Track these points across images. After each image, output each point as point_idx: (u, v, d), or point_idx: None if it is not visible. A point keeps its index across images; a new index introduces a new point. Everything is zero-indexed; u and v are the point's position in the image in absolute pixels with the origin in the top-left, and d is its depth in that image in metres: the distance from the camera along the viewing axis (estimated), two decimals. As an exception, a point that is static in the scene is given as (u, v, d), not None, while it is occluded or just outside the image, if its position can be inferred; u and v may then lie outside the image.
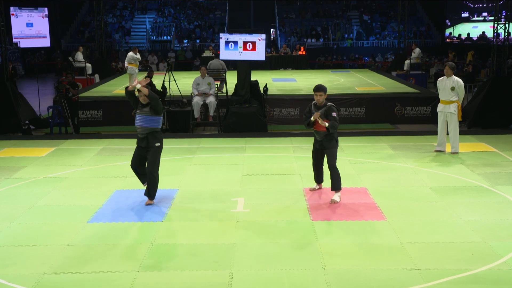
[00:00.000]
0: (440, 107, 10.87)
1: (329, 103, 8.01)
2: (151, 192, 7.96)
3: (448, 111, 10.69)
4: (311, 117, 7.94)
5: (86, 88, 19.66)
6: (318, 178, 8.53)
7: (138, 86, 7.66)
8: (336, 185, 8.01)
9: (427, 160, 10.42)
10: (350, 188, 8.73)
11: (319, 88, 7.96)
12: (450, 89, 10.62)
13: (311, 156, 8.47)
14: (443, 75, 10.97)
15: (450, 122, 10.72)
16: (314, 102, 8.07)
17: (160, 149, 7.93)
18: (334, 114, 7.87)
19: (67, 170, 9.99)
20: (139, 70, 22.76)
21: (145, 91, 7.66)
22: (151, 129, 7.82)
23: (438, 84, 10.95)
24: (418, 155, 10.82)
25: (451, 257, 6.12)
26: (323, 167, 8.41)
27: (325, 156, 8.16)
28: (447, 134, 10.88)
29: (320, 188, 8.58)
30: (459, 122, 10.80)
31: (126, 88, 7.93)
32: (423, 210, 7.71)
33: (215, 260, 6.12)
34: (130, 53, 18.93)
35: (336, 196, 8.01)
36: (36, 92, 18.03)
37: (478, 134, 12.75)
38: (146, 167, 7.95)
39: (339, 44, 35.34)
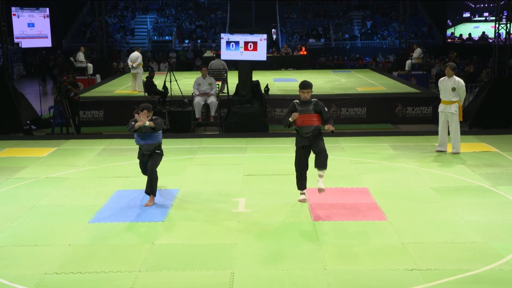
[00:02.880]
0: (441, 107, 10.86)
1: (313, 99, 7.81)
2: (153, 188, 7.98)
3: (449, 111, 10.68)
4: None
5: (87, 88, 19.67)
6: (304, 184, 8.05)
7: (147, 123, 7.76)
8: (325, 163, 7.76)
9: (428, 160, 10.42)
10: (351, 188, 8.73)
11: (307, 85, 7.78)
12: (451, 89, 10.61)
13: (311, 156, 8.21)
14: (444, 75, 10.96)
15: (451, 122, 10.72)
16: (296, 101, 7.84)
17: (161, 155, 8.16)
18: (326, 109, 7.83)
19: (68, 170, 10.00)
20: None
21: (152, 124, 7.80)
22: (156, 144, 8.04)
23: (439, 84, 10.95)
24: (419, 155, 10.81)
25: (452, 257, 6.12)
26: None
27: (312, 150, 7.88)
28: (448, 134, 10.88)
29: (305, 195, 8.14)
30: (460, 122, 10.80)
31: (129, 125, 7.85)
32: (424, 210, 7.71)
33: (216, 260, 6.12)
34: (137, 53, 18.90)
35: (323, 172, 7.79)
36: (37, 92, 18.04)
37: (479, 134, 12.74)
38: (147, 166, 8.03)
39: (340, 44, 35.32)
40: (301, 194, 8.14)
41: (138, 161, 8.40)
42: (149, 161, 8.02)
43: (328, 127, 7.71)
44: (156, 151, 8.08)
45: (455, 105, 10.64)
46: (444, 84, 10.74)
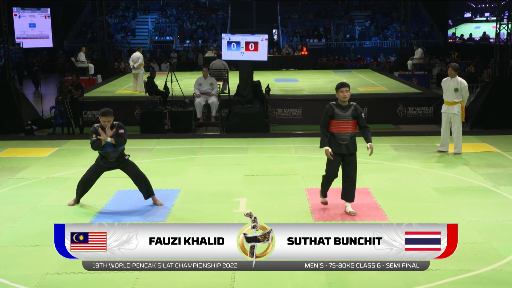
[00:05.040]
0: (444, 108, 10.85)
1: (352, 103, 7.23)
2: (149, 189, 7.93)
3: (452, 112, 10.66)
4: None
5: (89, 88, 19.66)
6: (326, 191, 7.67)
7: (109, 139, 7.63)
8: (353, 196, 7.56)
9: (429, 161, 10.41)
10: (353, 188, 8.71)
11: (345, 83, 7.06)
12: (454, 90, 10.59)
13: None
14: (445, 75, 10.94)
15: (453, 123, 10.70)
16: (333, 103, 7.24)
17: (128, 157, 7.97)
18: (364, 115, 7.32)
19: (70, 170, 10.00)
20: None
21: (113, 141, 7.66)
22: (120, 151, 7.84)
23: (442, 85, 10.93)
24: (420, 155, 10.81)
25: (454, 258, 6.07)
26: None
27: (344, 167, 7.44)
28: (450, 134, 10.87)
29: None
30: (462, 122, 10.79)
31: (95, 142, 7.63)
32: (426, 210, 7.70)
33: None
34: (138, 53, 18.90)
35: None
36: (38, 92, 18.05)
37: (481, 135, 12.73)
38: (136, 180, 7.89)
39: (341, 44, 35.32)
40: (323, 197, 7.78)
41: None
42: (130, 174, 7.86)
43: (370, 149, 7.42)
44: (125, 157, 7.88)
45: (457, 105, 10.62)
46: (447, 84, 10.72)
